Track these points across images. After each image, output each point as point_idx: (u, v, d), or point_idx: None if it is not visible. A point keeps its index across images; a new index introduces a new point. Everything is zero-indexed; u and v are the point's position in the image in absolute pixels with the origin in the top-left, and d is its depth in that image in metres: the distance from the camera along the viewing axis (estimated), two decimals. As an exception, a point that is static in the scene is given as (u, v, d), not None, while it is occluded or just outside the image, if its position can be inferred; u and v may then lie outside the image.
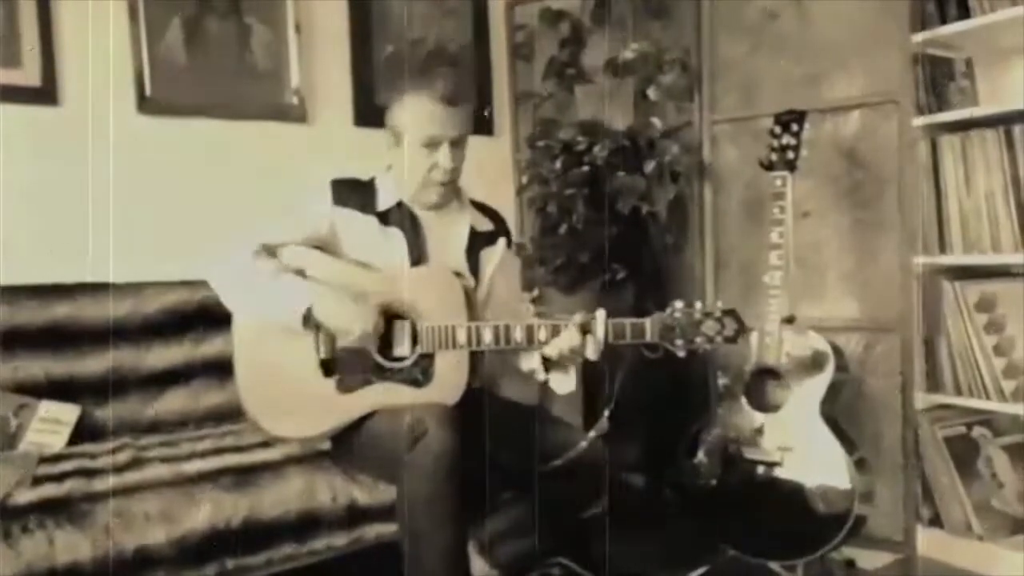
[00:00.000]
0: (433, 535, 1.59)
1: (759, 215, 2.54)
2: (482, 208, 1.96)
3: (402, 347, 1.75)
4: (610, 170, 2.74)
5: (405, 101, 1.78)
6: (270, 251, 1.77)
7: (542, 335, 1.70)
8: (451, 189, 1.84)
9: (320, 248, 1.79)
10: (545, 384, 1.81)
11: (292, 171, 2.37)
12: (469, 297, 1.76)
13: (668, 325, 1.67)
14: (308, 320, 1.69)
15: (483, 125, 2.98)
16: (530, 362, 1.79)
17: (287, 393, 1.77)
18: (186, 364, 2.29)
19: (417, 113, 1.76)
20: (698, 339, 1.66)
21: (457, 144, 1.78)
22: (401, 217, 1.82)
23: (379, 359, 1.74)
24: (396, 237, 1.82)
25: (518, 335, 1.70)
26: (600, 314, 1.69)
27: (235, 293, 1.77)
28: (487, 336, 1.70)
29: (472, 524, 1.75)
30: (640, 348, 1.73)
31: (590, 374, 1.83)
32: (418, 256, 1.81)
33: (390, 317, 1.75)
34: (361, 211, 1.81)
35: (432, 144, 1.76)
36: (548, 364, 1.76)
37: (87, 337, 2.19)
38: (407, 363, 1.74)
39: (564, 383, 1.78)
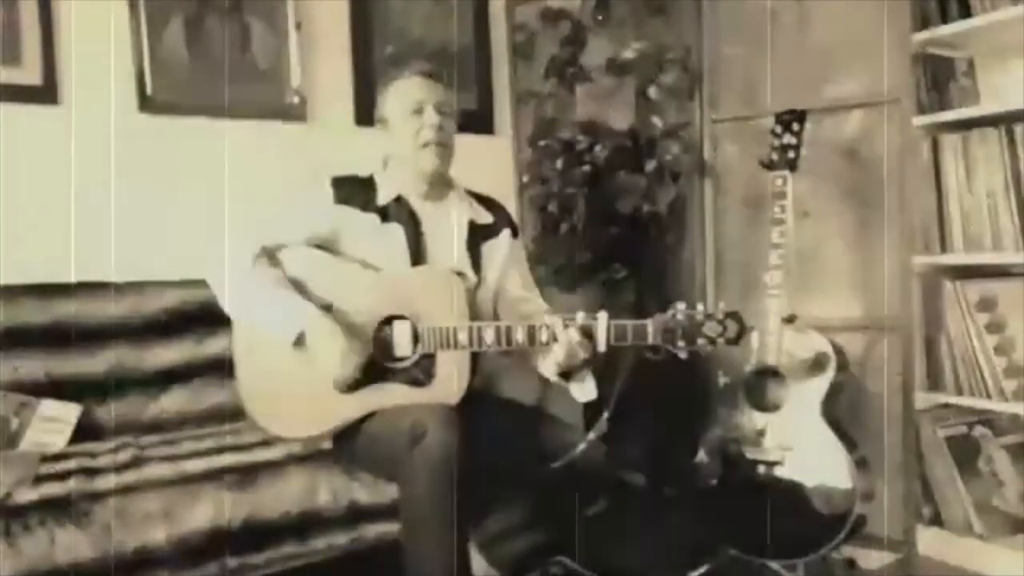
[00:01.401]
0: (434, 534, 1.58)
1: (759, 215, 2.54)
2: (480, 199, 1.95)
3: (403, 347, 1.75)
4: (611, 170, 2.74)
5: (389, 89, 1.85)
6: (271, 255, 1.77)
7: (543, 336, 1.69)
8: (446, 153, 1.83)
9: (321, 247, 1.79)
10: (547, 384, 1.80)
11: (292, 170, 2.37)
12: (470, 296, 1.75)
13: (670, 327, 1.65)
14: (299, 343, 1.68)
15: (483, 124, 2.98)
16: (548, 370, 1.77)
17: (288, 393, 1.77)
18: (187, 363, 2.29)
19: (402, 89, 1.82)
20: (700, 341, 1.65)
21: (443, 111, 1.81)
22: (400, 212, 1.82)
23: (380, 360, 1.74)
24: (396, 234, 1.81)
25: (519, 336, 1.69)
26: (602, 316, 1.68)
27: (233, 299, 1.76)
28: (488, 337, 1.70)
29: (473, 523, 1.75)
30: (641, 348, 1.72)
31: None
32: (417, 255, 1.81)
33: (391, 317, 1.75)
34: (362, 209, 1.81)
35: (417, 110, 1.80)
36: (564, 374, 1.74)
37: (88, 336, 2.18)
38: (408, 363, 1.74)
39: (584, 391, 1.77)
